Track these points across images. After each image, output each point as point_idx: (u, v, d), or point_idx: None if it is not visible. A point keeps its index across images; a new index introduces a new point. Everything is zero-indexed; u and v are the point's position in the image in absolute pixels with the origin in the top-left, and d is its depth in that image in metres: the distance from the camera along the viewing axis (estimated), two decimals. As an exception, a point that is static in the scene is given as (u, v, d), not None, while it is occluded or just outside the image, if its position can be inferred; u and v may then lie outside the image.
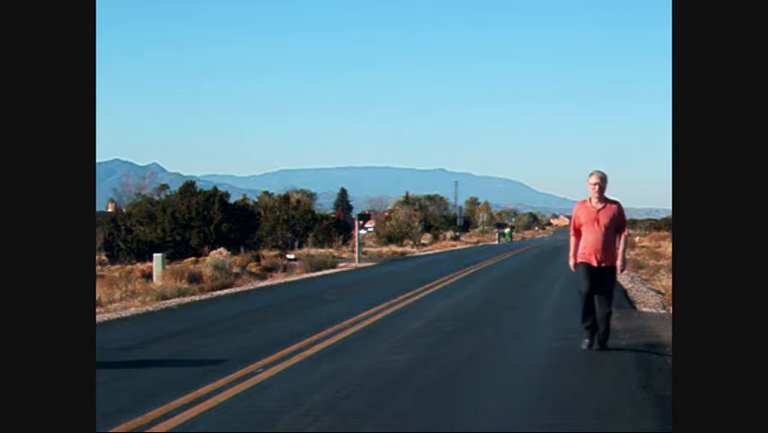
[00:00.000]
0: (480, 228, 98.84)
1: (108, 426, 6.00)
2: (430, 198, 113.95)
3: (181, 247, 36.78)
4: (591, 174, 9.06)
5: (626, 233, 9.25)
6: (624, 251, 9.22)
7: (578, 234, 9.20)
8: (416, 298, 16.06)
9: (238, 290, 19.90)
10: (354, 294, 17.41)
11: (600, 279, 9.03)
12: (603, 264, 9.01)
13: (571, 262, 9.28)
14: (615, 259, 9.10)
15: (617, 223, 9.06)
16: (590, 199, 9.08)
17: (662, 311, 13.62)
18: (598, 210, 9.01)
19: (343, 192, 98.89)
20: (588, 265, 9.04)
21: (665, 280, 19.00)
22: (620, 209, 9.12)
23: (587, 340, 9.21)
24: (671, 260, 23.04)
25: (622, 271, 9.27)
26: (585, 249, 9.05)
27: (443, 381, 7.75)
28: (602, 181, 9.01)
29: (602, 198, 9.05)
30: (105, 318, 13.41)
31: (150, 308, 15.16)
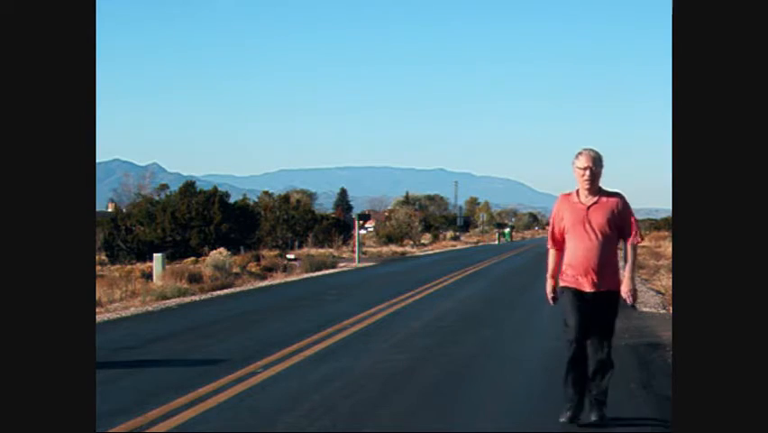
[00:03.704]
0: (480, 228, 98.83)
1: (108, 426, 6.00)
2: (430, 197, 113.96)
3: (181, 247, 36.76)
4: (579, 154, 6.13)
5: (636, 239, 6.17)
6: (633, 269, 6.20)
7: (559, 244, 6.28)
8: (416, 298, 16.06)
9: (238, 289, 19.90)
10: (354, 294, 17.40)
11: (596, 312, 6.07)
12: (601, 289, 6.05)
13: (549, 289, 6.30)
14: (618, 281, 6.13)
15: (620, 224, 6.09)
16: (577, 192, 6.17)
17: (662, 311, 13.63)
18: (589, 207, 6.07)
19: (343, 192, 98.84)
20: (577, 293, 6.08)
21: (665, 280, 19.01)
22: (624, 204, 6.14)
23: (568, 412, 6.15)
24: (671, 260, 23.04)
25: (632, 302, 6.21)
26: (572, 267, 6.11)
27: (442, 381, 7.75)
28: (595, 164, 6.07)
29: (595, 190, 6.11)
30: (106, 318, 13.41)
31: (151, 308, 15.16)
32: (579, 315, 6.05)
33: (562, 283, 6.19)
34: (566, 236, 6.17)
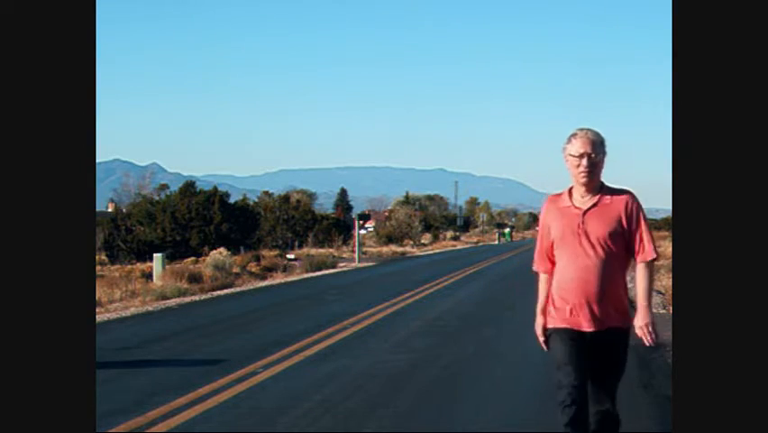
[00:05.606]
0: (480, 228, 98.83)
1: (108, 426, 6.00)
2: (430, 197, 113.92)
3: (181, 247, 36.77)
4: (572, 137, 4.39)
5: (651, 254, 4.45)
6: (649, 296, 4.52)
7: (551, 266, 4.52)
8: (416, 298, 16.07)
9: (238, 289, 19.91)
10: (354, 294, 17.40)
11: (600, 357, 4.49)
12: (604, 327, 4.44)
13: (540, 330, 4.53)
14: (626, 314, 4.55)
15: (629, 235, 4.39)
16: (570, 192, 4.47)
17: (663, 311, 13.62)
18: (586, 211, 4.37)
19: (343, 192, 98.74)
20: (572, 334, 4.41)
21: (665, 280, 18.99)
22: (636, 206, 4.41)
23: None
24: (671, 260, 23.04)
25: (651, 341, 4.58)
26: (563, 296, 4.42)
27: (442, 381, 7.74)
28: (594, 150, 4.33)
29: (595, 186, 4.40)
30: (105, 318, 13.42)
31: (151, 308, 15.17)
32: (574, 366, 4.40)
33: (550, 324, 4.48)
34: (555, 253, 4.45)
